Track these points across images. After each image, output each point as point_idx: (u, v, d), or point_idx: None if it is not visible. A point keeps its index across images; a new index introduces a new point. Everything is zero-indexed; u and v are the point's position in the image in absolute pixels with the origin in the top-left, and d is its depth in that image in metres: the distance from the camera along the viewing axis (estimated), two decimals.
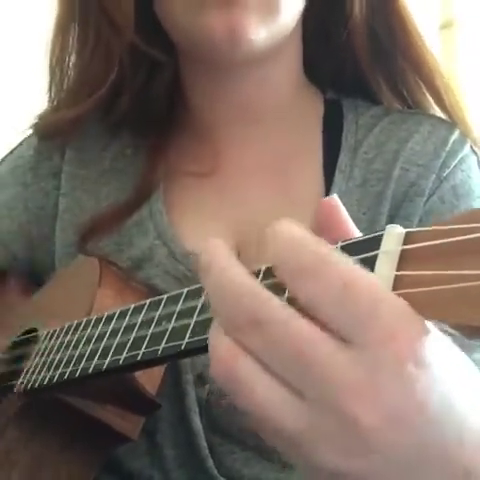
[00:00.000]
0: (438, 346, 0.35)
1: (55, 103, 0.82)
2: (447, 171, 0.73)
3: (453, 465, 0.35)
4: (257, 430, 0.38)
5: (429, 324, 0.35)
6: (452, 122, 0.77)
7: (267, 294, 0.37)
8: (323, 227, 0.43)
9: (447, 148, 0.74)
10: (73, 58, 0.79)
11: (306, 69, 0.82)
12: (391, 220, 0.73)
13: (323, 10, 0.78)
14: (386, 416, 0.34)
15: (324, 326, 0.36)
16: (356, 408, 0.34)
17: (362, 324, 0.35)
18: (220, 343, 0.38)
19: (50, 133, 0.82)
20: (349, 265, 0.36)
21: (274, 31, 0.70)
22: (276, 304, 0.37)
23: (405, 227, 0.70)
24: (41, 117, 0.82)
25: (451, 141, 0.75)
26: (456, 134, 0.76)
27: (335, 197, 0.43)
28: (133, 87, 0.77)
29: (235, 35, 0.68)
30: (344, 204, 0.43)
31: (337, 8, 0.77)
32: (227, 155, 0.79)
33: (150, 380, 0.66)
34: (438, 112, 0.79)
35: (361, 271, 0.35)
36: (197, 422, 0.71)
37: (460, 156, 0.74)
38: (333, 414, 0.35)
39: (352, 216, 0.77)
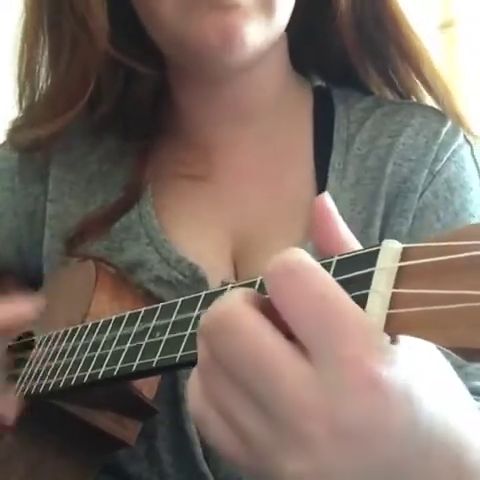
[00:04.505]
0: (407, 368, 0.34)
1: (28, 115, 0.79)
2: (439, 165, 0.72)
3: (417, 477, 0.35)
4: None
5: (409, 343, 0.35)
6: (444, 113, 0.76)
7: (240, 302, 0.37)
8: (320, 232, 0.42)
9: (439, 141, 0.73)
10: (43, 69, 0.76)
11: (292, 58, 0.80)
12: (386, 218, 0.72)
13: (308, 1, 0.75)
14: (342, 438, 0.34)
15: (291, 335, 0.35)
16: (311, 427, 0.34)
17: (330, 340, 0.34)
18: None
19: (29, 149, 0.80)
20: (332, 281, 0.36)
21: (269, 33, 0.68)
22: (244, 311, 0.36)
23: (400, 225, 0.71)
24: (15, 128, 0.80)
25: (443, 133, 0.73)
26: (448, 125, 0.74)
27: (328, 197, 0.42)
28: (111, 96, 0.75)
29: (230, 40, 0.65)
30: (338, 204, 0.42)
31: None
32: (218, 157, 0.77)
33: (147, 385, 0.66)
34: (430, 99, 0.77)
35: (339, 289, 0.35)
36: (192, 427, 0.70)
37: (452, 148, 0.73)
38: (289, 431, 0.35)
39: (347, 216, 0.76)
